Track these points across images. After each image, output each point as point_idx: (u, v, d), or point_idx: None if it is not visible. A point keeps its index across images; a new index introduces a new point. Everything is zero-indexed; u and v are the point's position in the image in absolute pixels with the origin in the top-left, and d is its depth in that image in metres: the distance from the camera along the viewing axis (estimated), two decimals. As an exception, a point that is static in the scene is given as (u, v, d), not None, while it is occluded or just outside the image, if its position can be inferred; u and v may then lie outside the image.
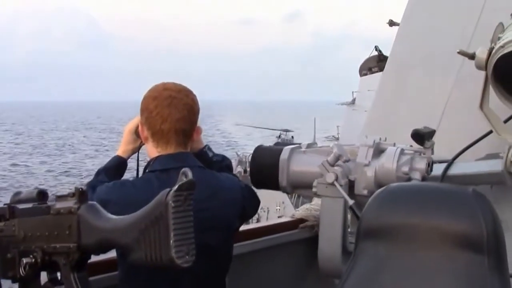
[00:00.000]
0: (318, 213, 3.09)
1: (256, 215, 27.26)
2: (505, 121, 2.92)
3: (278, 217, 24.32)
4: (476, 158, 3.03)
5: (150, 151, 2.29)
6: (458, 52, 2.75)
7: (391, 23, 18.02)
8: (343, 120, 27.69)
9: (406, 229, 1.74)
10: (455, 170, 2.96)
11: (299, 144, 2.78)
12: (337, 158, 2.44)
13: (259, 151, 2.75)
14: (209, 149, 2.52)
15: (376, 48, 22.60)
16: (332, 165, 2.46)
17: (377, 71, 21.61)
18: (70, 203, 1.42)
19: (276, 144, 2.92)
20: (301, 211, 3.43)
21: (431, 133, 2.52)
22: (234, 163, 38.49)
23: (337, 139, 30.02)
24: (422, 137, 2.47)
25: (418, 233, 1.72)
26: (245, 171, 30.02)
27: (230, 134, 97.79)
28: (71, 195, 1.42)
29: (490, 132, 2.91)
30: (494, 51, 2.62)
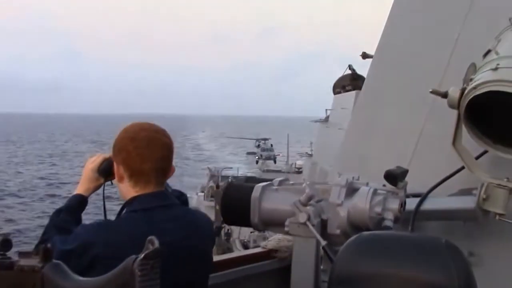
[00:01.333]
0: (290, 243, 3.08)
1: (227, 227, 27.36)
2: (477, 158, 2.94)
3: (251, 232, 24.45)
4: (449, 194, 3.04)
5: (126, 191, 2.30)
6: (431, 92, 2.77)
7: (364, 56, 18.19)
8: (317, 137, 28.22)
9: (379, 280, 1.73)
10: (428, 205, 2.96)
11: (271, 180, 2.76)
12: (310, 198, 2.43)
13: (231, 188, 2.73)
14: (168, 185, 2.55)
15: (350, 67, 22.75)
16: (305, 205, 2.44)
17: (350, 90, 21.72)
18: (34, 261, 1.39)
19: (247, 180, 2.90)
20: (273, 242, 3.41)
21: (404, 173, 2.52)
22: (206, 178, 38.43)
23: (311, 155, 29.88)
24: (395, 178, 2.47)
25: (391, 284, 1.71)
26: (217, 186, 30.01)
27: (202, 147, 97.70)
28: (35, 253, 1.37)
29: (463, 168, 2.93)
30: (466, 91, 2.64)
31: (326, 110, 25.98)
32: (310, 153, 31.36)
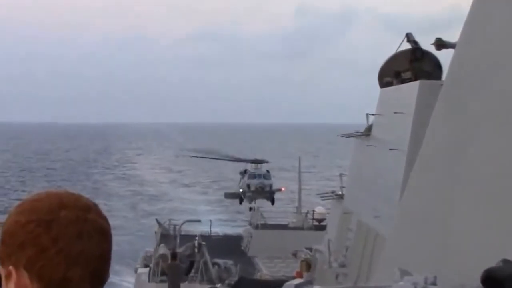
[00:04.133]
0: None
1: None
2: None
3: None
4: None
5: None
6: None
7: (439, 44, 18.11)
8: (352, 162, 28.12)
9: None
10: None
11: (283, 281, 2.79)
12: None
13: None
14: None
15: (409, 37, 22.33)
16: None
17: (408, 79, 21.54)
18: None
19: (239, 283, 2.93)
20: None
21: None
22: (152, 238, 37.38)
23: (341, 197, 29.78)
24: (499, 283, 2.50)
25: None
26: (173, 255, 29.40)
27: (145, 178, 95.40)
28: None
29: None
30: None
31: (367, 115, 25.41)
32: (340, 193, 30.91)
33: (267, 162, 57.81)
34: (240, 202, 54.31)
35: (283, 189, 55.56)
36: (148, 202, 73.10)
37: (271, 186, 53.10)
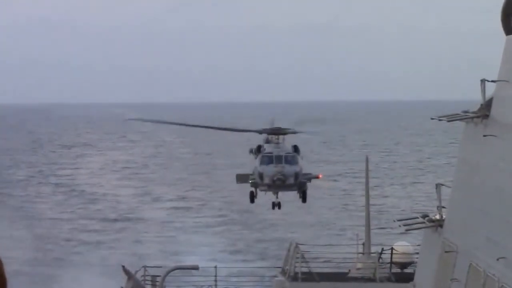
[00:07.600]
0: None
1: None
2: None
3: None
4: None
5: None
6: None
7: None
8: (459, 164, 23.96)
9: None
10: None
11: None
12: None
13: None
14: None
15: None
16: None
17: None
18: None
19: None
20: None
21: None
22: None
23: (439, 224, 22.95)
24: None
25: None
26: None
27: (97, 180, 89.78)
28: None
29: None
30: None
31: (483, 81, 20.04)
32: (437, 217, 25.28)
33: (294, 132, 42.85)
34: (252, 200, 40.89)
35: (320, 175, 42.58)
36: (103, 232, 63.83)
37: (297, 174, 38.82)
